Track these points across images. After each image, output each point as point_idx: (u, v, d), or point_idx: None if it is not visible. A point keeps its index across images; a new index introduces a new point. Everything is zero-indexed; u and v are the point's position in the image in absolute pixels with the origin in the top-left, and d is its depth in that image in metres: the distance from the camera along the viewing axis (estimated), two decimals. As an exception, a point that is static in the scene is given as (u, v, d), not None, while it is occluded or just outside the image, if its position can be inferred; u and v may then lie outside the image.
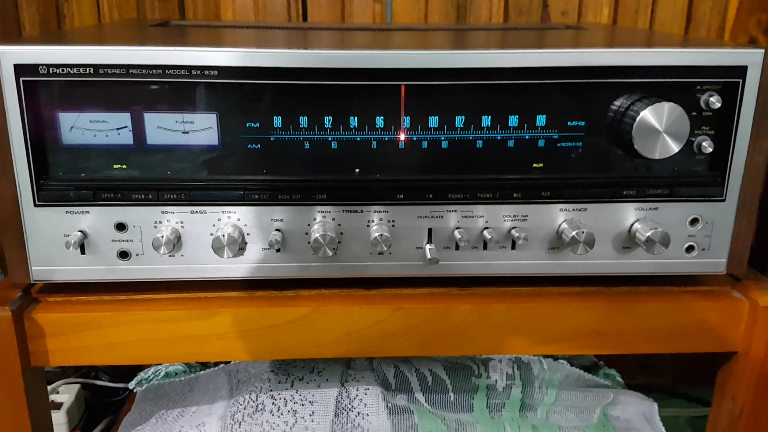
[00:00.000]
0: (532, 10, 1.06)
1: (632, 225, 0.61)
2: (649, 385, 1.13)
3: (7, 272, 0.60)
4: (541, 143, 0.60)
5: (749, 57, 0.57)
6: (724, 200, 0.61)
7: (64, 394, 0.97)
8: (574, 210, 0.61)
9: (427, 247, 0.60)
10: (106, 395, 1.05)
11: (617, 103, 0.59)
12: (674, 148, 0.57)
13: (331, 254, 0.58)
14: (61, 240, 0.58)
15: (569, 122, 0.59)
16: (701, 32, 1.07)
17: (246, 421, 0.71)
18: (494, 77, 0.57)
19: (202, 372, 0.81)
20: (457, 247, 0.61)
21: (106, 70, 0.54)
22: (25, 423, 0.60)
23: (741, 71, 0.57)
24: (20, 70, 0.53)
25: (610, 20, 1.06)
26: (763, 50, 0.57)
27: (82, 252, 0.59)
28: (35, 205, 0.57)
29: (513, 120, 0.59)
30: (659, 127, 0.56)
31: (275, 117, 0.57)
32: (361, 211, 0.60)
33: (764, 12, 1.06)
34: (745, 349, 0.64)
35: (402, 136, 0.58)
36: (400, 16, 1.05)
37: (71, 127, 0.57)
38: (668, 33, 1.04)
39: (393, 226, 0.60)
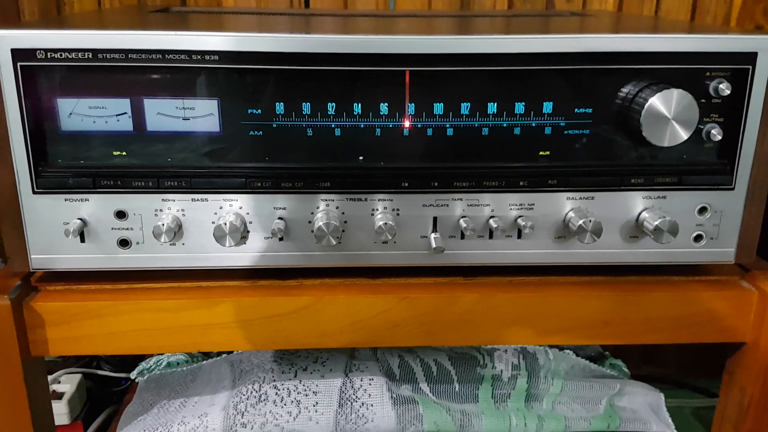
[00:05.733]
0: (536, -3, 1.05)
1: (640, 214, 0.60)
2: (654, 376, 1.13)
3: (6, 261, 0.59)
4: (547, 131, 0.59)
5: (759, 43, 0.56)
6: (733, 189, 0.60)
7: (66, 384, 0.97)
8: (581, 198, 0.60)
9: (432, 236, 0.60)
10: (108, 385, 1.05)
11: (625, 90, 0.58)
12: (683, 135, 0.56)
13: (334, 243, 0.58)
14: (60, 228, 0.57)
15: (576, 109, 0.58)
16: (707, 20, 1.06)
17: (249, 412, 0.71)
18: (500, 63, 0.56)
19: (204, 362, 0.81)
20: (463, 236, 0.60)
21: (105, 55, 0.53)
22: (25, 413, 0.60)
23: (751, 57, 0.56)
24: (18, 54, 0.52)
25: (615, 7, 1.05)
26: (773, 36, 0.56)
27: (82, 240, 0.58)
28: (34, 193, 0.56)
29: (519, 107, 0.58)
30: (668, 114, 0.55)
31: (277, 103, 0.56)
32: (365, 199, 0.59)
33: (772, -1, 1.05)
34: (754, 340, 0.63)
35: (407, 123, 0.58)
36: (403, 2, 1.04)
37: (70, 114, 0.56)
38: (676, 20, 1.02)
39: (397, 214, 0.59)
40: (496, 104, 0.58)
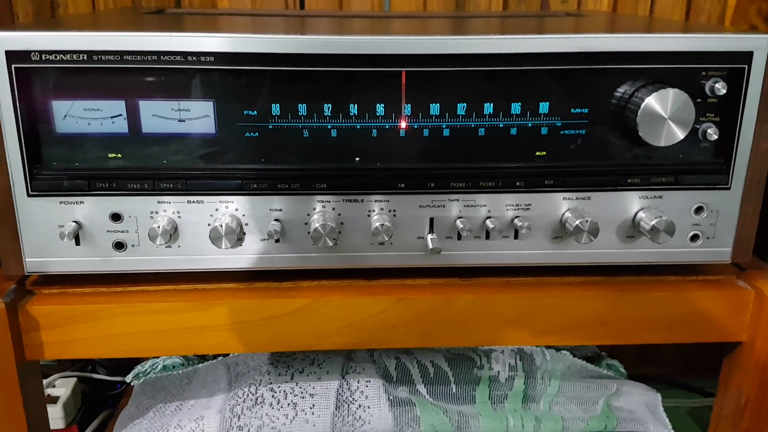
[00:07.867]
0: (531, -2, 1.05)
1: (636, 213, 0.60)
2: (650, 376, 1.13)
3: (1, 264, 0.59)
4: (544, 131, 0.59)
5: (755, 42, 0.56)
6: (729, 188, 0.60)
7: (61, 387, 0.96)
8: (577, 198, 0.60)
9: (429, 236, 0.60)
10: (104, 389, 1.04)
11: (621, 89, 0.58)
12: (680, 135, 0.56)
13: (331, 244, 0.57)
14: (55, 231, 0.57)
15: (572, 110, 0.58)
16: (701, 20, 1.06)
17: (245, 415, 0.70)
18: (496, 63, 0.56)
19: (200, 365, 0.81)
20: (459, 237, 0.60)
21: (99, 56, 0.53)
22: (21, 418, 0.59)
23: (747, 57, 0.56)
24: (12, 56, 0.52)
25: (610, 8, 1.05)
26: (769, 35, 0.56)
27: (77, 243, 0.58)
28: (29, 195, 0.56)
29: (515, 107, 0.58)
30: (664, 113, 0.55)
31: (273, 105, 0.56)
32: (362, 200, 0.59)
33: (765, 0, 1.05)
34: (751, 339, 0.63)
35: (403, 124, 0.57)
36: (398, 3, 1.03)
37: (65, 116, 0.55)
38: (671, 20, 1.03)
39: (394, 215, 0.59)
40: (492, 105, 0.57)
